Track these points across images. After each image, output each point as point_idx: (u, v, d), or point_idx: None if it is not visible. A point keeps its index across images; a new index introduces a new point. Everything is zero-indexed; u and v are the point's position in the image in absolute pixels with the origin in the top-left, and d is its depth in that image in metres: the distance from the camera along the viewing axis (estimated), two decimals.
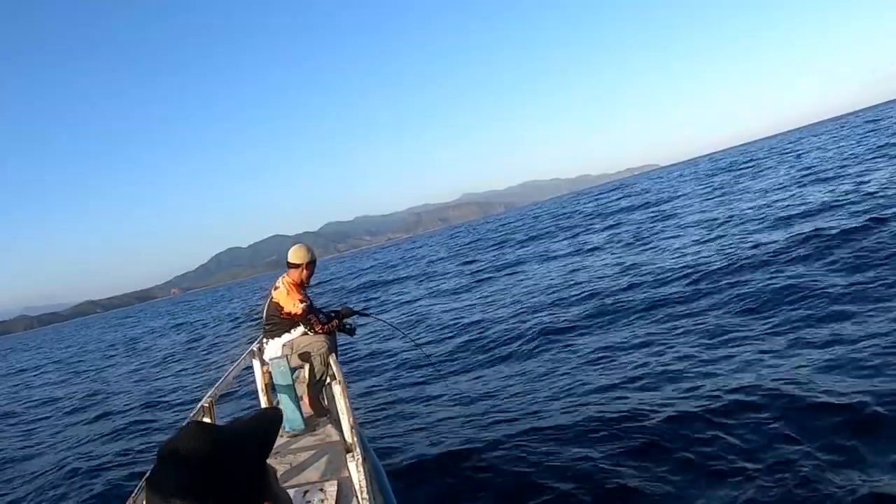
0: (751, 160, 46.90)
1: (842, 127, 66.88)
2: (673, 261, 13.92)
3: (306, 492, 3.71)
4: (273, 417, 1.28)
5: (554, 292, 14.13)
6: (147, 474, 1.13)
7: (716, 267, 11.73)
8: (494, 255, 28.76)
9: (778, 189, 22.21)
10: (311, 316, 5.27)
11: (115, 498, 7.47)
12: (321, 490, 3.73)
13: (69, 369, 27.20)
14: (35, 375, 28.49)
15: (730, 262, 11.80)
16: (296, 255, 5.37)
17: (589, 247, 21.85)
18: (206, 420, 3.93)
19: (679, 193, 35.19)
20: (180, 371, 17.83)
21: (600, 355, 8.45)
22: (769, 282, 9.60)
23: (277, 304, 5.30)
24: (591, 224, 31.60)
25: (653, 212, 28.24)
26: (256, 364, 5.46)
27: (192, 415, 3.98)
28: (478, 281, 20.82)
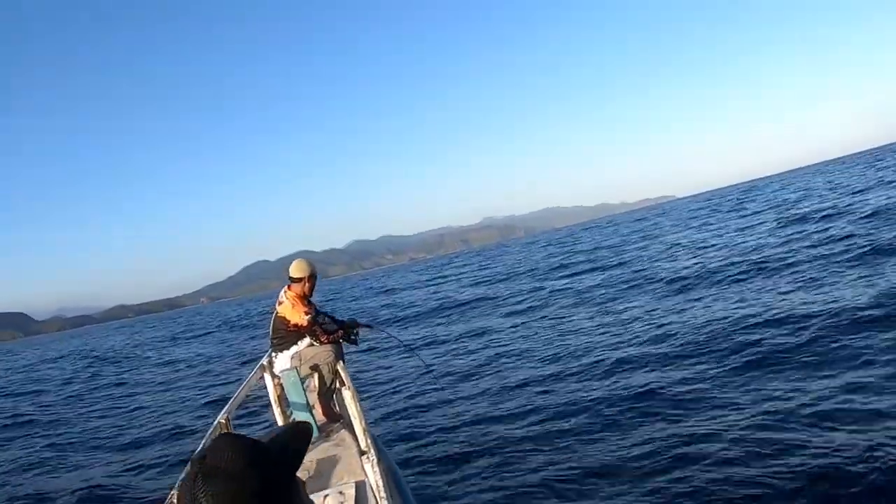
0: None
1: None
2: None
3: (326, 496, 3.69)
4: (304, 431, 1.29)
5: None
6: (178, 484, 1.14)
7: None
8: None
9: None
10: (317, 327, 5.33)
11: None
12: (340, 493, 3.71)
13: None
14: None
15: None
16: (297, 269, 5.45)
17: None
18: None
19: None
20: None
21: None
22: None
23: (283, 317, 5.38)
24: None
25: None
26: (267, 377, 5.52)
27: (209, 432, 3.94)
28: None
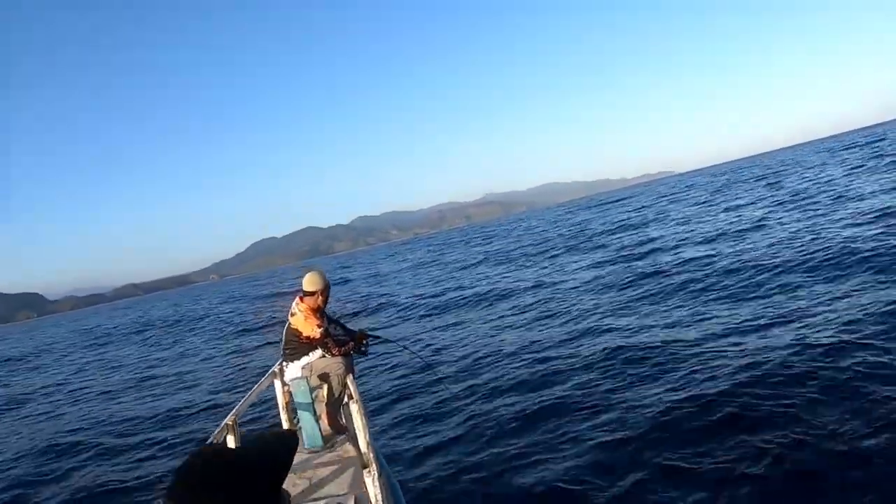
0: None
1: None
2: None
3: None
4: (288, 443, 1.24)
5: None
6: (165, 494, 1.09)
7: None
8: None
9: None
10: (328, 339, 5.28)
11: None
12: None
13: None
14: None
15: None
16: (311, 282, 5.41)
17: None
18: (230, 437, 3.94)
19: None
20: None
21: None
22: None
23: (296, 329, 5.32)
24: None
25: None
26: (277, 384, 5.50)
27: (216, 432, 3.96)
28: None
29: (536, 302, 15.47)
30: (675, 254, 17.93)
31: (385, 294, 26.36)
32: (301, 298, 5.43)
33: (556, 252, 27.46)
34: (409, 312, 19.52)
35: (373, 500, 3.54)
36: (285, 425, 5.42)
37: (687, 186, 67.49)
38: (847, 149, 53.71)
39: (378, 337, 5.89)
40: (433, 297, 21.56)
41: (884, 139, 52.93)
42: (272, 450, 1.20)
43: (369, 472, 3.70)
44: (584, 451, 6.05)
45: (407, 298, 22.86)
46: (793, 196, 25.04)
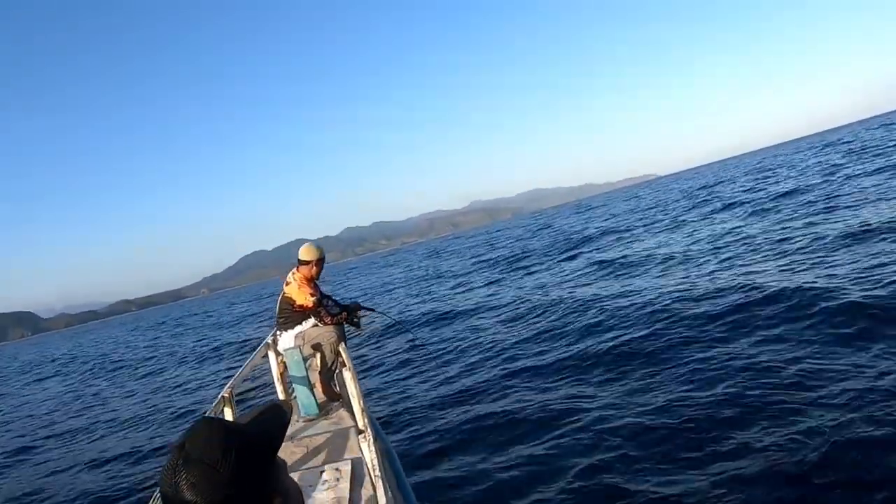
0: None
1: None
2: None
3: (322, 472, 3.71)
4: (282, 414, 1.26)
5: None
6: (164, 467, 1.11)
7: None
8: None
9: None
10: (321, 308, 5.31)
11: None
12: (336, 469, 3.74)
13: None
14: None
15: None
16: (306, 252, 5.43)
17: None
18: (227, 410, 3.94)
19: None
20: None
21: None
22: None
23: (290, 297, 5.34)
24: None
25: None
26: (271, 355, 5.50)
27: (213, 404, 3.98)
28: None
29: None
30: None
31: None
32: (297, 269, 5.45)
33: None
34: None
35: (369, 465, 3.55)
36: (280, 395, 5.43)
37: (634, 197, 66.26)
38: (821, 148, 53.53)
39: (372, 310, 5.91)
40: None
41: (850, 140, 51.89)
42: (267, 419, 1.22)
43: (364, 437, 3.71)
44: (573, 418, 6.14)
45: None
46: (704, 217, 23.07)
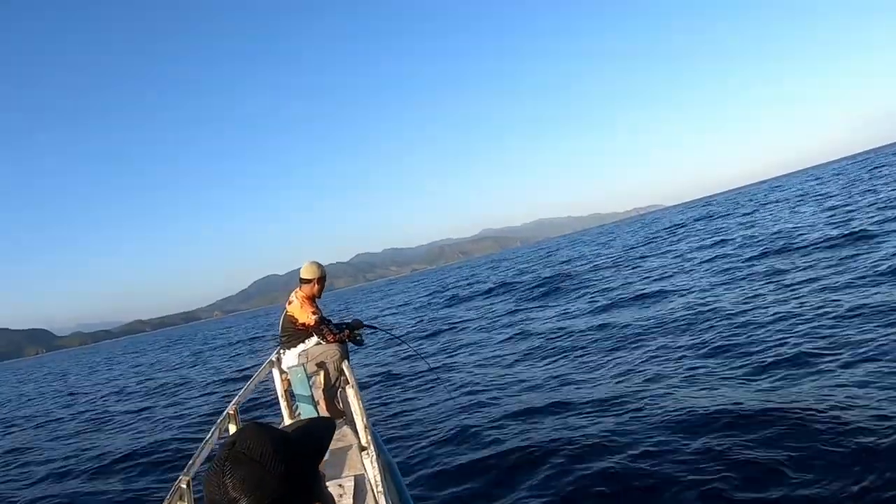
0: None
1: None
2: None
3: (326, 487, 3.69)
4: (328, 425, 1.30)
5: None
6: (209, 469, 1.12)
7: None
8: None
9: None
10: (323, 326, 5.32)
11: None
12: (339, 486, 3.75)
13: None
14: None
15: None
16: (308, 271, 5.46)
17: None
18: (231, 427, 3.93)
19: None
20: None
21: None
22: None
23: (292, 316, 5.38)
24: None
25: None
26: (276, 373, 5.50)
27: (218, 422, 3.93)
28: None
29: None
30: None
31: None
32: (299, 288, 5.48)
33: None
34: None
35: (372, 481, 3.55)
36: (284, 412, 5.42)
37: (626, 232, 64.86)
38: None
39: (374, 327, 5.91)
40: None
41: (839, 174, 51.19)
42: (315, 428, 1.27)
43: (367, 453, 3.71)
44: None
45: None
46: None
